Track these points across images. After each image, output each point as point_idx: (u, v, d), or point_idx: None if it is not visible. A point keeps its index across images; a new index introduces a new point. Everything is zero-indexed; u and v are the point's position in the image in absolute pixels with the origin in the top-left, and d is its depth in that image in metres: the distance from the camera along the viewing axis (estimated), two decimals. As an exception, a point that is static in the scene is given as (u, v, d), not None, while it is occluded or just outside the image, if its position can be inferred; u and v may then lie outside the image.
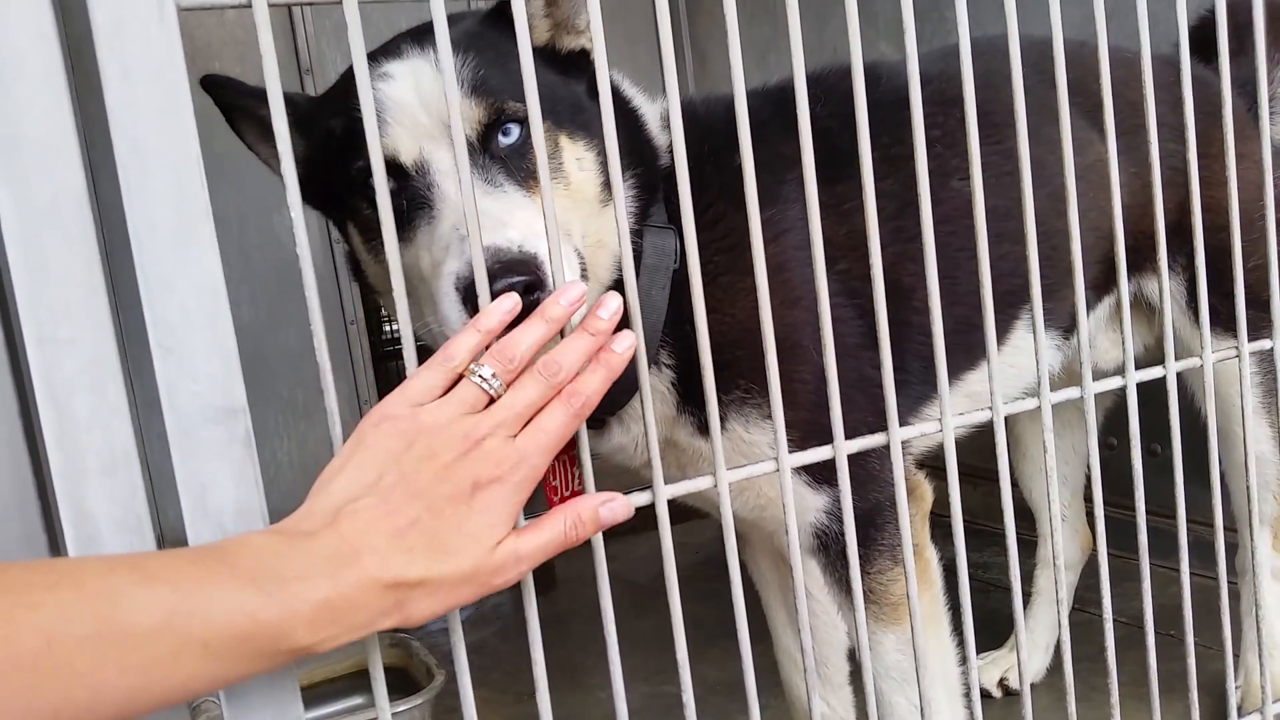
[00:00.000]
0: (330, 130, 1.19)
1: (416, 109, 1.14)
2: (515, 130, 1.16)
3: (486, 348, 0.86)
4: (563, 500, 1.29)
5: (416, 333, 1.14)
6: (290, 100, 1.31)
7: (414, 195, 1.15)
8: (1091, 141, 1.47)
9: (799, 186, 0.98)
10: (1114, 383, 1.08)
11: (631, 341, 0.91)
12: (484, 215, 1.05)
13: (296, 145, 1.30)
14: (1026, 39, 1.07)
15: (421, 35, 1.22)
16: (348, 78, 1.22)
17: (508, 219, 1.06)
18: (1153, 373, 1.10)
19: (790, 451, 1.00)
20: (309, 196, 1.37)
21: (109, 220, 0.75)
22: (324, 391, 0.81)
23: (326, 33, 3.33)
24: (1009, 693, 2.18)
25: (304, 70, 3.25)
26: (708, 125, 1.35)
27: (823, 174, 0.98)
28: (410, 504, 0.78)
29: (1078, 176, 1.06)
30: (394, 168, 1.16)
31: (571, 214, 1.20)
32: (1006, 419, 1.06)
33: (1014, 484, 1.09)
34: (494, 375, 0.84)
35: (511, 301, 0.87)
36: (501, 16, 1.21)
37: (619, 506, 0.89)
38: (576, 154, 1.22)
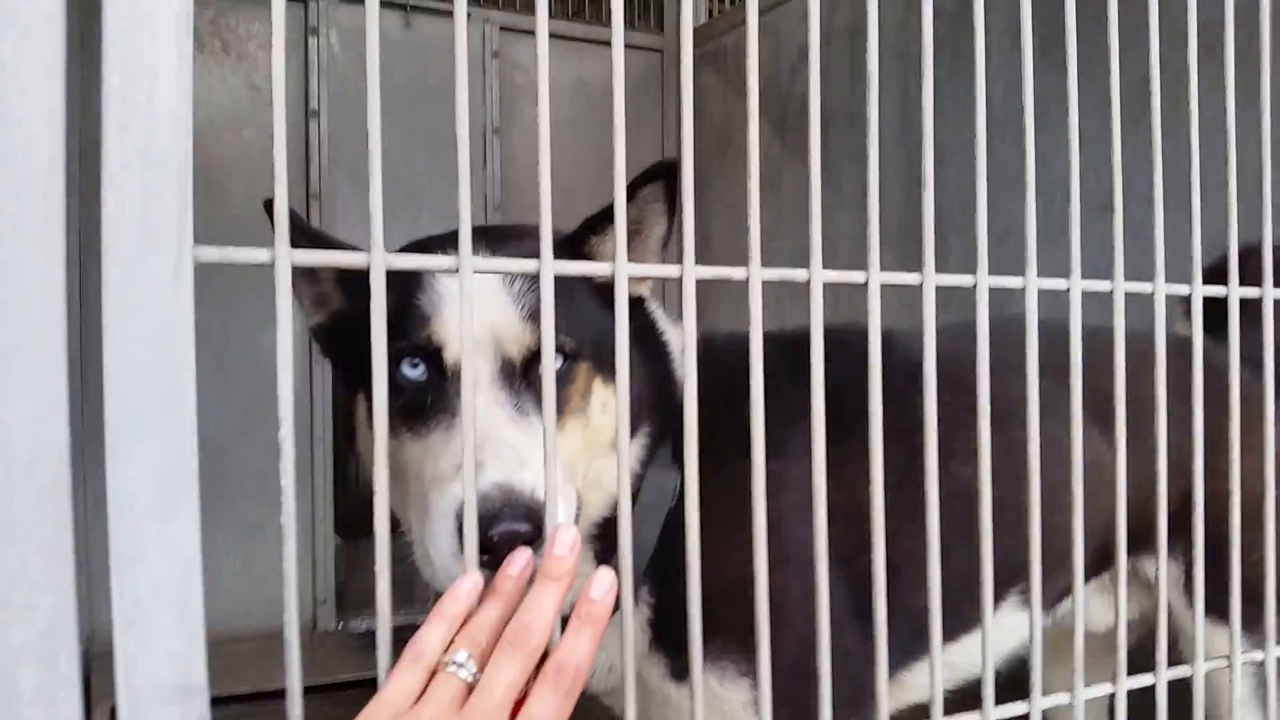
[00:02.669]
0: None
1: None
2: (559, 361, 1.14)
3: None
4: None
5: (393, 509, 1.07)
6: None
7: (441, 395, 1.11)
8: (1090, 439, 1.45)
9: (805, 443, 0.95)
10: (1104, 689, 1.05)
11: (610, 582, 0.84)
12: (503, 444, 1.02)
13: (334, 297, 1.27)
14: (1042, 324, 1.06)
15: (499, 239, 1.21)
16: (409, 251, 1.17)
17: (527, 457, 1.02)
18: (1143, 680, 1.07)
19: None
20: (330, 348, 1.32)
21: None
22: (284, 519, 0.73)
23: (340, 166, 3.37)
24: None
25: (312, 195, 3.24)
26: (726, 366, 1.32)
27: (826, 435, 0.95)
28: None
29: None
30: (432, 358, 1.13)
31: (580, 454, 1.17)
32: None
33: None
34: (469, 658, 0.76)
35: (472, 582, 0.81)
36: (571, 245, 1.19)
37: None
38: (605, 399, 1.19)
